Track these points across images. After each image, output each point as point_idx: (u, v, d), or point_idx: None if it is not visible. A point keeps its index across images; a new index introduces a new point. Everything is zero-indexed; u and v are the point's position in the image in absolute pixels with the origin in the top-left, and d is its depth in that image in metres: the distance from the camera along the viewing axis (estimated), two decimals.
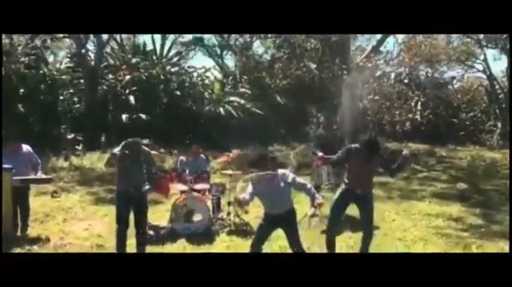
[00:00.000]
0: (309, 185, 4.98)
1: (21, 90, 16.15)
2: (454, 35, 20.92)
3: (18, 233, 6.44)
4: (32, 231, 6.68)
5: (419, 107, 23.16)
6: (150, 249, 5.79)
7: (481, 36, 19.79)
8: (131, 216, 5.44)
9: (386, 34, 17.35)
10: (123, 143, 5.37)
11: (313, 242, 6.29)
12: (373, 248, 5.78)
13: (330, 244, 5.36)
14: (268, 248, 5.54)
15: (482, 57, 21.86)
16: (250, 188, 4.77)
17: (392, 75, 22.29)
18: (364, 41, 22.96)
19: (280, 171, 4.90)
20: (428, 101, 23.24)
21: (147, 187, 5.45)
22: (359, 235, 5.48)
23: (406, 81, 23.04)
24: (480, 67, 22.58)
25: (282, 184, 4.78)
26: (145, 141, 17.89)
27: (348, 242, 6.16)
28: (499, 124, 21.51)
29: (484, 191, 9.85)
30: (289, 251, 4.98)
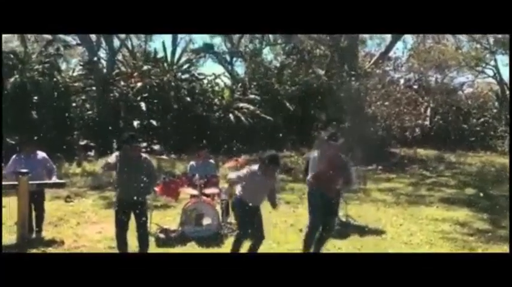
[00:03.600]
0: None
1: (35, 97, 16.51)
2: (464, 41, 20.93)
3: (34, 236, 6.65)
4: (47, 234, 6.88)
5: (428, 112, 23.09)
6: (160, 251, 5.95)
7: (491, 41, 19.73)
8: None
9: (388, 36, 17.46)
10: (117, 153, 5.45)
11: None
12: (379, 251, 5.91)
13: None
14: (274, 250, 5.68)
15: (492, 62, 21.76)
16: (241, 173, 5.35)
17: (402, 81, 22.27)
18: (373, 47, 23.05)
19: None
20: (438, 106, 23.18)
21: (145, 193, 5.49)
22: (366, 238, 5.57)
23: (415, 87, 22.99)
24: (490, 72, 22.49)
25: (271, 185, 5.39)
26: (157, 147, 18.04)
27: (355, 245, 6.26)
28: None
29: (491, 197, 9.86)
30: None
